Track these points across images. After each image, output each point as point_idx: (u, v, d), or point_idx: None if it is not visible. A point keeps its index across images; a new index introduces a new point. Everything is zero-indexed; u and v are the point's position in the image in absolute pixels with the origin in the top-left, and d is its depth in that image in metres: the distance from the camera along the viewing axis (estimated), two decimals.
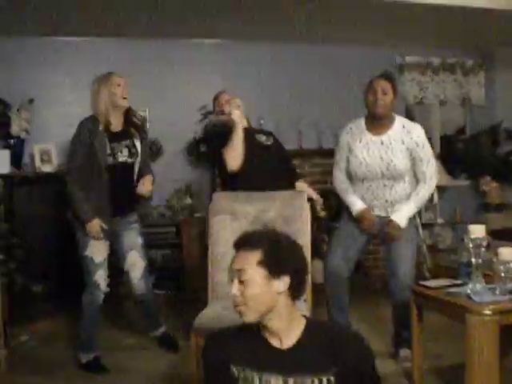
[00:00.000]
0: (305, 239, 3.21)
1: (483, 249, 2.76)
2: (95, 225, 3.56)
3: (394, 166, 3.50)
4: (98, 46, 5.63)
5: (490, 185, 6.49)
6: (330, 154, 6.29)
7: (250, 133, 3.85)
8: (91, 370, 3.68)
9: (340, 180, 3.76)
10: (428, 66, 6.68)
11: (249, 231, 1.93)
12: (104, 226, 3.59)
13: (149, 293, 3.98)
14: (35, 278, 4.75)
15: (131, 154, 3.74)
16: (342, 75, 6.04)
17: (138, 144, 3.79)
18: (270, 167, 3.80)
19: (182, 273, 5.44)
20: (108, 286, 3.71)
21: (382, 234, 3.63)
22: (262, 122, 5.56)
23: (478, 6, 5.00)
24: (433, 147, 6.91)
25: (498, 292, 2.74)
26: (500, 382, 2.66)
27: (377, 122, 3.58)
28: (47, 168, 5.24)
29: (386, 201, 3.59)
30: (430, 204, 6.47)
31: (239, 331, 1.90)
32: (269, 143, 3.93)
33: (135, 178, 3.78)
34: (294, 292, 1.84)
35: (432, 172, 3.59)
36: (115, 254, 3.86)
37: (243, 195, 3.35)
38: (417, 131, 3.58)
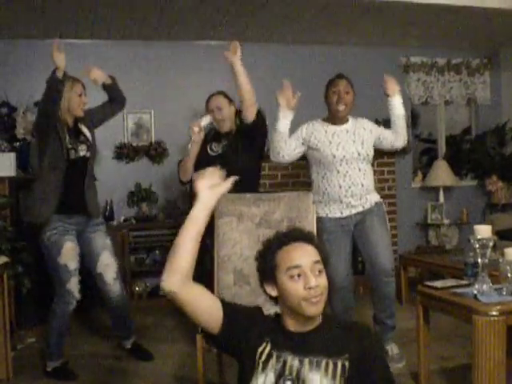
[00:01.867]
0: None
1: (489, 249, 2.75)
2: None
3: (366, 145, 3.70)
4: (104, 49, 5.65)
5: (496, 185, 6.48)
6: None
7: (205, 146, 3.97)
8: (59, 376, 3.64)
9: None
10: (433, 66, 6.66)
11: (295, 227, 2.10)
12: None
13: (123, 295, 3.89)
14: (42, 281, 4.75)
15: (88, 148, 3.79)
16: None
17: (88, 134, 3.84)
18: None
19: None
20: (79, 292, 3.65)
21: (357, 229, 3.73)
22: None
23: (482, 6, 5.00)
24: (438, 148, 6.96)
25: (504, 292, 2.74)
26: (507, 383, 2.65)
27: (338, 120, 3.75)
28: None
29: (362, 185, 3.67)
30: (436, 204, 6.48)
31: (264, 317, 2.01)
32: (218, 152, 3.93)
33: (89, 172, 3.81)
34: None
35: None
36: (84, 258, 3.80)
37: (249, 197, 3.35)
38: (365, 120, 3.86)
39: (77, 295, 3.62)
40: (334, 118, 3.76)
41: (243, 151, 3.89)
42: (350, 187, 3.65)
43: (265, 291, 1.98)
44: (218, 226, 3.30)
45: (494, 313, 2.60)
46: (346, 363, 1.83)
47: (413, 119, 6.86)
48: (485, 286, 2.76)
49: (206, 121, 3.95)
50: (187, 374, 3.60)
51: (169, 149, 5.86)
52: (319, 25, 5.53)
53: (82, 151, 3.74)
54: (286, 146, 3.69)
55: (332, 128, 3.73)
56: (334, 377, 1.81)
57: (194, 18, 5.18)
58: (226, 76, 5.85)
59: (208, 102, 4.07)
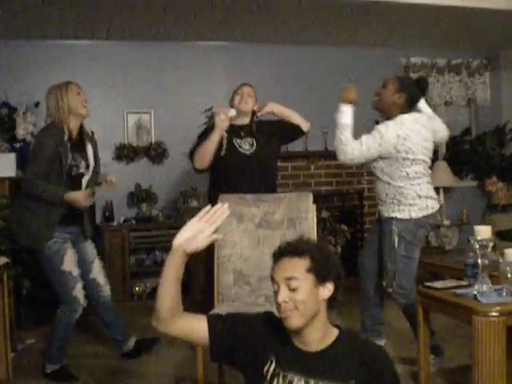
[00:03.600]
0: None
1: (489, 250, 2.76)
2: (78, 194, 3.54)
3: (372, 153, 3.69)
4: (104, 49, 5.65)
5: (496, 185, 6.48)
6: (335, 155, 6.32)
7: (230, 136, 3.80)
8: (59, 379, 3.63)
9: None
10: (433, 66, 6.68)
11: (290, 241, 1.96)
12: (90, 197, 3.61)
13: (111, 297, 3.92)
14: (42, 282, 4.75)
15: (86, 165, 3.72)
16: (347, 76, 6.03)
17: (90, 154, 3.77)
18: (248, 178, 3.73)
19: (187, 275, 5.44)
20: (84, 298, 3.66)
21: None
22: None
23: (482, 7, 5.00)
24: (438, 148, 6.96)
25: (504, 293, 2.74)
26: (507, 383, 2.65)
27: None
28: None
29: (377, 194, 3.80)
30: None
31: (271, 327, 1.94)
32: (249, 152, 3.80)
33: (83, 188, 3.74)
34: (332, 299, 1.88)
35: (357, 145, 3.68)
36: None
37: (249, 197, 3.35)
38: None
39: (82, 302, 3.63)
40: None
41: (274, 151, 3.95)
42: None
43: None
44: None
45: (494, 313, 2.61)
46: None
47: None
48: (485, 287, 2.76)
49: (232, 113, 3.75)
50: (187, 374, 3.60)
51: (169, 149, 5.86)
52: (319, 25, 5.53)
53: (81, 168, 3.67)
54: None
55: None
56: None
57: (195, 19, 5.18)
58: (226, 76, 5.90)
59: (239, 87, 3.92)
